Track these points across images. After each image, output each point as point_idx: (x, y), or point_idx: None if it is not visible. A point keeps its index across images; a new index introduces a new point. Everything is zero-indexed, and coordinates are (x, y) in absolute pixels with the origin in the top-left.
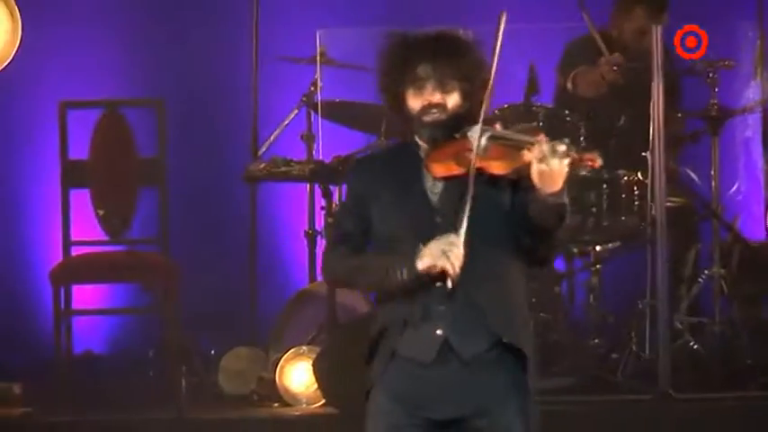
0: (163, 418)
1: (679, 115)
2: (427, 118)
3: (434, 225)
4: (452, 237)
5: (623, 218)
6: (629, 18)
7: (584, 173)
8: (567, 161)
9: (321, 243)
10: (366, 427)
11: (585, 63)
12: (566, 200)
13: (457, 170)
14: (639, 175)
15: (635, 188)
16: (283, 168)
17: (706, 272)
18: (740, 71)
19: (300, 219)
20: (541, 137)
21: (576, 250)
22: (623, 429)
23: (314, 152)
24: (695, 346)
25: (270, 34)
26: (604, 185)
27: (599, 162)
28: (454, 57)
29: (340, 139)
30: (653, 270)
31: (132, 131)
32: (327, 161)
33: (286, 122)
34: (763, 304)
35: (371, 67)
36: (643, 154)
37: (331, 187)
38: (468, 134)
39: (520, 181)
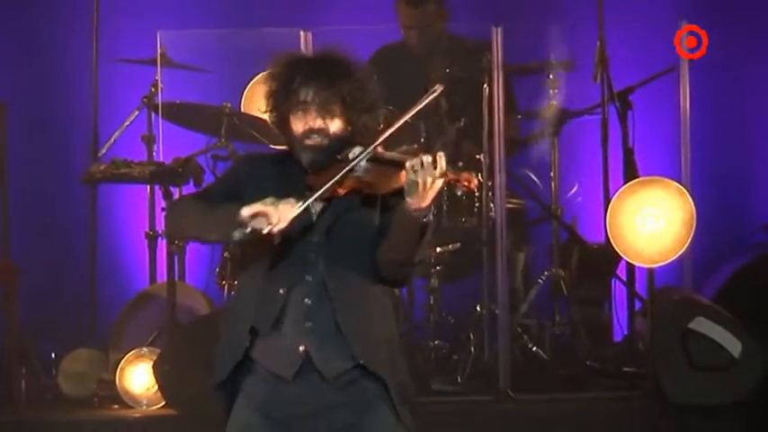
0: (2, 420)
1: (519, 117)
2: (309, 142)
3: (308, 242)
4: (291, 200)
5: (463, 219)
6: (398, 17)
7: (459, 192)
8: (440, 181)
9: (161, 244)
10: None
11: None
12: (431, 218)
13: (338, 190)
14: (480, 176)
15: (475, 190)
16: (123, 170)
17: (545, 273)
18: (580, 72)
19: (141, 220)
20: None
21: None
22: (463, 430)
23: (154, 153)
24: (534, 348)
25: (110, 35)
26: (444, 187)
27: (475, 183)
28: (337, 82)
29: (180, 141)
30: (491, 272)
31: None
32: (168, 162)
33: (126, 124)
34: (602, 305)
35: (211, 68)
36: (477, 156)
37: (171, 188)
38: (350, 156)
39: (391, 199)
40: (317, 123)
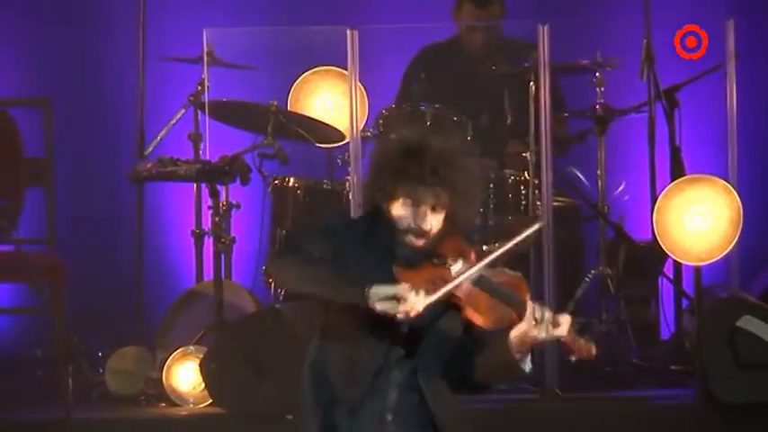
0: (50, 418)
1: (566, 115)
2: (410, 238)
3: (397, 334)
4: (423, 291)
5: (510, 217)
6: (460, 16)
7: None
8: (560, 340)
9: (208, 242)
10: None
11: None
12: (526, 367)
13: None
14: (527, 174)
15: (522, 188)
16: (170, 168)
17: (592, 271)
18: (626, 70)
19: (187, 218)
20: (535, 304)
21: None
22: (511, 429)
23: (201, 152)
24: None
25: (157, 33)
26: (491, 185)
27: (593, 353)
28: (451, 181)
29: (227, 139)
30: (538, 270)
31: (19, 131)
32: (214, 161)
33: (173, 122)
34: (649, 304)
35: (258, 66)
36: (524, 154)
37: (218, 187)
38: (452, 268)
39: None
40: (426, 225)
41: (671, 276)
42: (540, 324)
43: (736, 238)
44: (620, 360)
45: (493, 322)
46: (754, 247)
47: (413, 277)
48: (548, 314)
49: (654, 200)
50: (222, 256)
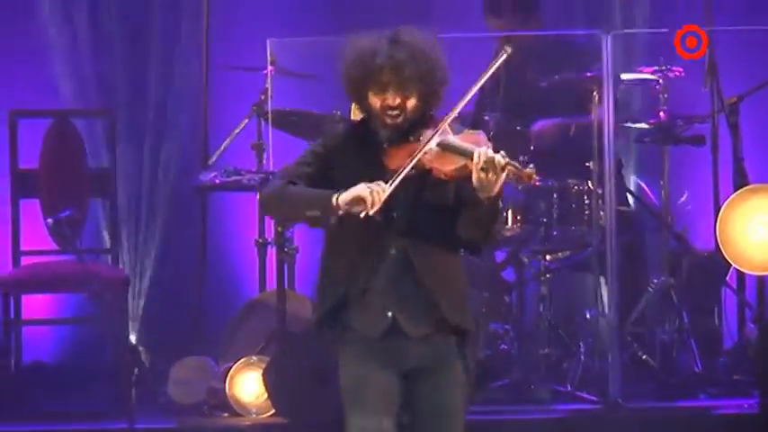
0: (114, 428)
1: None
2: (387, 120)
3: (389, 218)
4: (381, 183)
5: (573, 227)
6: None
7: (519, 187)
8: (503, 174)
9: (271, 252)
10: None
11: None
12: (499, 203)
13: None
14: (590, 184)
15: (585, 197)
16: (234, 178)
17: (655, 281)
18: (690, 80)
19: (251, 228)
20: (482, 149)
21: (526, 260)
22: None
23: (264, 162)
24: (644, 356)
25: (220, 43)
26: (554, 195)
27: (534, 178)
28: (414, 61)
29: (290, 149)
30: (599, 279)
31: (82, 141)
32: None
33: (236, 132)
34: (712, 313)
35: (321, 76)
36: (587, 164)
37: None
38: (421, 138)
39: (463, 182)
40: (395, 101)
41: (734, 286)
42: (487, 165)
43: None
44: (683, 370)
45: (454, 173)
46: None
47: (396, 154)
48: (490, 154)
49: (717, 209)
50: (285, 266)
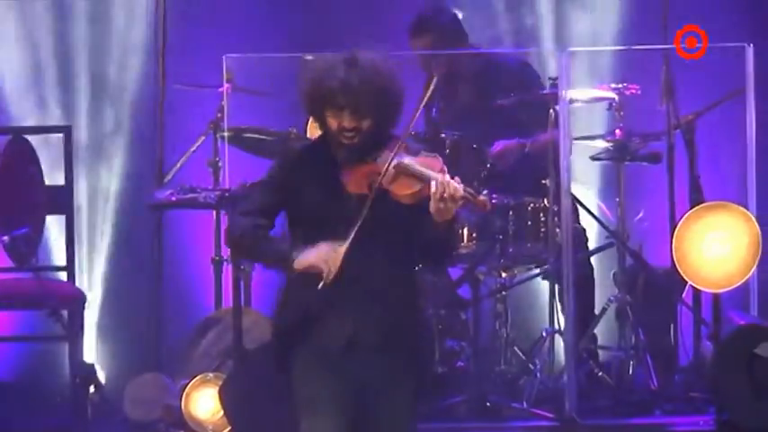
0: None
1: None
2: (343, 140)
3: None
4: (337, 245)
5: (529, 244)
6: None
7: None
8: (460, 203)
9: (227, 270)
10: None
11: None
12: (456, 225)
13: (366, 191)
14: (545, 201)
15: (541, 215)
16: (189, 195)
17: (611, 298)
18: (646, 97)
19: (207, 246)
20: (439, 177)
21: (481, 277)
22: None
23: (220, 179)
24: (600, 373)
25: (176, 61)
26: (510, 212)
27: (489, 207)
28: (369, 84)
29: (246, 166)
30: (554, 296)
31: (38, 158)
32: (234, 188)
33: (192, 149)
34: (668, 330)
35: (278, 93)
36: (543, 181)
37: None
38: (378, 161)
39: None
40: (350, 123)
41: (690, 303)
42: (445, 192)
43: (755, 265)
44: (639, 387)
45: (411, 198)
46: None
47: (353, 174)
48: (447, 182)
49: (673, 227)
50: (241, 284)
